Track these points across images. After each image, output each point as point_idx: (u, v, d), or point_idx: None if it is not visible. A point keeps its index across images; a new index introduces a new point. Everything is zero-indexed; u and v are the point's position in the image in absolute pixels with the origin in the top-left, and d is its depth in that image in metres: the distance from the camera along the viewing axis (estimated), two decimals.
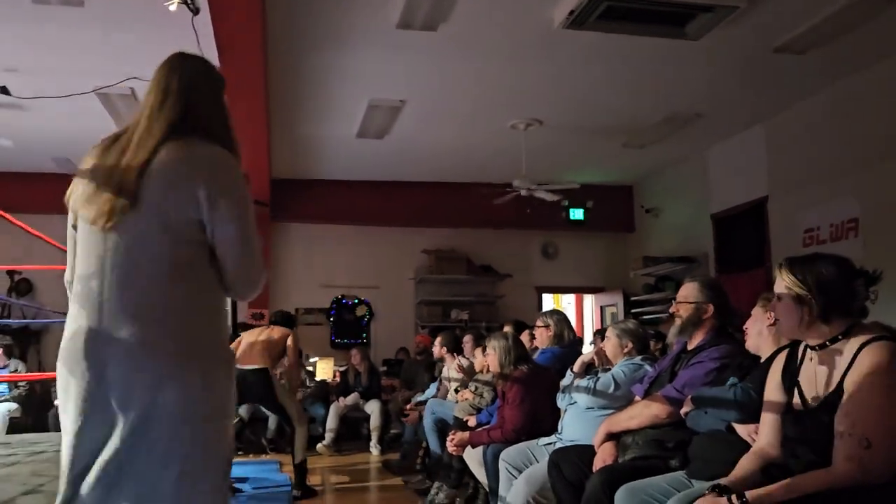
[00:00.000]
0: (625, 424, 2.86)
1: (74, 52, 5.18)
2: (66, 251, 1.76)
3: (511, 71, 5.78)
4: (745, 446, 2.20)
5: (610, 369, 3.39)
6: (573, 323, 10.44)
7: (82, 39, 4.99)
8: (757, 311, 2.52)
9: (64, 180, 1.79)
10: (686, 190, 8.56)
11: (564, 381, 3.50)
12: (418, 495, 4.87)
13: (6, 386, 7.19)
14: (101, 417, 1.54)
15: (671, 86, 6.13)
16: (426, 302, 9.38)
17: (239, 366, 4.79)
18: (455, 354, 5.77)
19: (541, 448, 3.46)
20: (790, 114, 6.72)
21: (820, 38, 5.17)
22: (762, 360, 2.47)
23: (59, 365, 1.61)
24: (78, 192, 1.68)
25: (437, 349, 6.08)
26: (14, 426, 6.96)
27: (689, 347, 2.90)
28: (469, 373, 5.21)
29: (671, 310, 2.95)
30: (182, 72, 1.74)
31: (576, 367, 3.47)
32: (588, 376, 3.38)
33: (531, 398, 3.78)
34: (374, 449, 7.02)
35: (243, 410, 6.66)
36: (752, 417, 2.22)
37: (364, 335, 9.30)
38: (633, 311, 8.96)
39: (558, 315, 4.61)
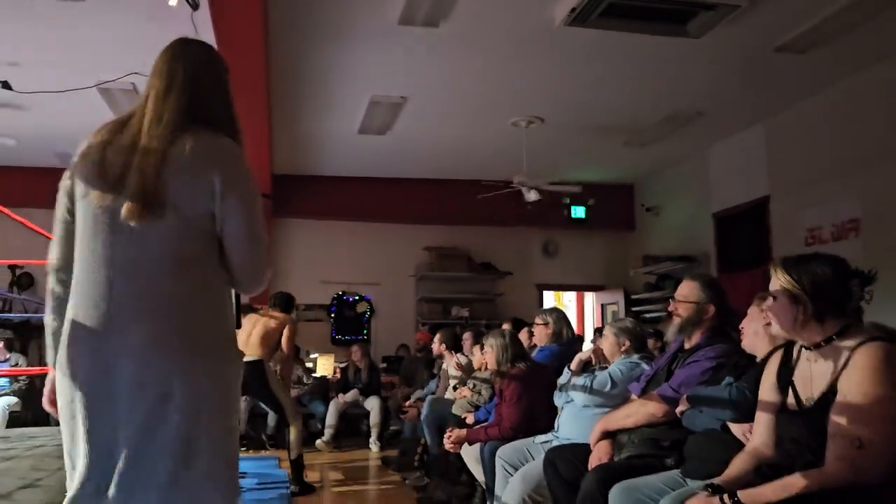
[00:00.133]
0: (621, 423, 2.86)
1: (75, 47, 5.18)
2: None
3: (512, 68, 5.78)
4: (739, 446, 2.21)
5: (607, 367, 3.40)
6: (574, 321, 10.54)
7: (83, 34, 4.99)
8: (753, 311, 2.52)
9: None
10: (687, 189, 8.55)
11: (561, 379, 3.50)
12: (416, 492, 4.87)
13: (7, 380, 7.22)
14: (108, 418, 1.52)
15: (672, 84, 6.12)
16: (427, 299, 9.38)
17: None
18: (453, 352, 5.78)
19: (537, 446, 3.47)
20: (791, 113, 6.71)
21: (821, 38, 5.16)
22: (758, 360, 2.47)
23: (62, 368, 1.56)
24: (85, 181, 1.63)
25: (437, 346, 6.09)
26: (14, 420, 6.99)
27: (686, 346, 2.89)
28: (468, 370, 5.22)
29: (669, 308, 2.94)
30: (186, 59, 1.72)
31: (573, 365, 3.47)
32: (585, 374, 3.38)
33: (529, 396, 3.78)
34: (374, 445, 7.03)
35: (242, 405, 6.68)
36: (747, 417, 2.23)
37: (365, 332, 9.31)
38: (633, 309, 8.97)
39: (557, 313, 4.62)
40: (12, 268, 8.03)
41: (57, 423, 1.68)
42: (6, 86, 5.44)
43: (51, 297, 1.69)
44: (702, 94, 6.38)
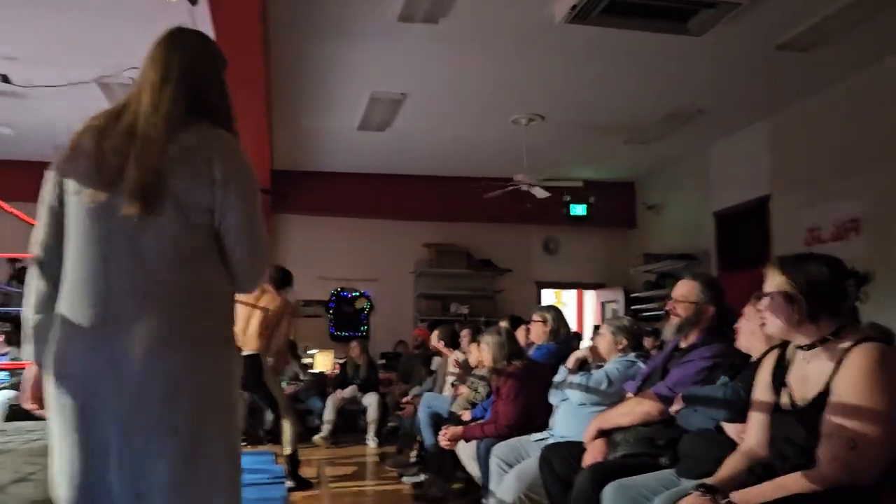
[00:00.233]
0: (616, 421, 2.85)
1: (74, 41, 5.17)
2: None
3: (513, 66, 5.76)
4: (734, 446, 2.20)
5: (603, 366, 3.39)
6: (574, 319, 10.52)
7: (82, 29, 4.98)
8: (749, 310, 2.51)
9: None
10: (688, 187, 8.52)
11: (558, 378, 3.49)
12: (413, 488, 4.87)
13: (6, 373, 7.21)
14: (109, 418, 1.47)
15: (673, 82, 6.10)
16: (425, 295, 9.37)
17: None
18: (451, 349, 5.77)
19: (533, 444, 3.46)
20: (793, 111, 6.68)
21: (822, 36, 5.14)
22: (753, 360, 2.46)
23: (57, 366, 1.51)
24: (79, 176, 1.57)
25: (434, 342, 6.08)
26: (14, 413, 6.98)
27: (683, 346, 2.88)
28: (466, 368, 5.21)
29: (667, 308, 2.92)
30: (182, 50, 1.67)
31: (569, 363, 3.46)
32: (581, 372, 3.38)
33: (525, 394, 3.77)
34: (371, 441, 7.03)
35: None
36: (742, 417, 2.21)
37: (363, 328, 9.30)
38: (633, 307, 8.95)
39: (556, 311, 4.60)
40: (12, 261, 8.03)
41: None
42: (5, 79, 5.42)
43: (34, 292, 1.63)
44: (703, 92, 6.36)
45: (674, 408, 2.59)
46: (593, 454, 2.84)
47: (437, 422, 4.73)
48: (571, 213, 9.38)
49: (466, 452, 4.00)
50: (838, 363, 1.83)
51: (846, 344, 1.84)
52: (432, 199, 9.14)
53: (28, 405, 1.67)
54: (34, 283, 1.63)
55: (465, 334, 5.90)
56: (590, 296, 10.69)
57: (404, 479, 5.17)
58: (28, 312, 1.63)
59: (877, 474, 1.75)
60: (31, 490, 2.58)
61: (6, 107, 6.42)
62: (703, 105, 6.67)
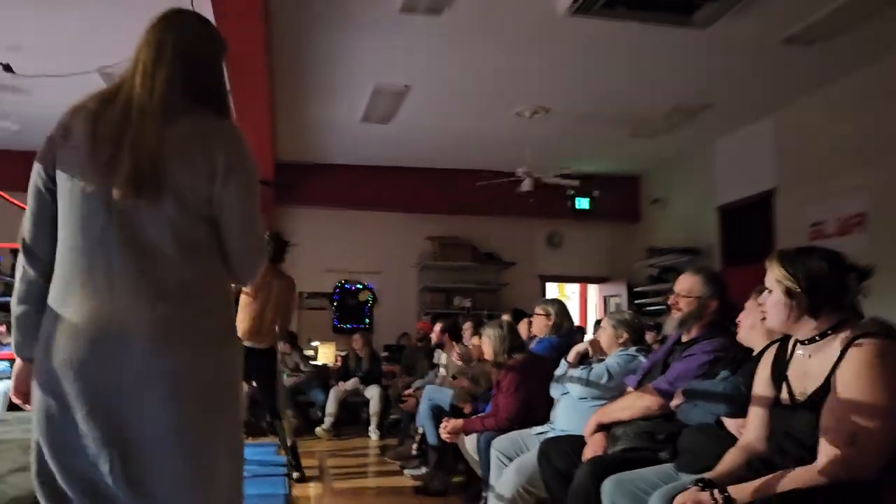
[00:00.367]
0: (616, 415, 2.84)
1: (76, 31, 5.16)
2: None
3: (516, 58, 5.72)
4: (733, 440, 2.19)
5: (604, 360, 3.37)
6: (577, 312, 10.50)
7: (84, 18, 4.97)
8: (750, 304, 2.49)
9: None
10: (693, 181, 8.49)
11: (558, 371, 3.48)
12: (414, 481, 4.87)
13: (8, 363, 7.23)
14: (109, 413, 1.43)
15: (679, 75, 6.06)
16: (429, 288, 9.36)
17: (246, 343, 4.66)
18: (455, 342, 5.76)
19: (533, 437, 3.45)
20: (799, 106, 6.63)
21: (829, 30, 5.09)
22: (754, 354, 2.44)
23: (54, 360, 1.44)
24: (71, 163, 1.51)
25: (437, 334, 6.07)
26: (15, 403, 7.00)
27: (684, 340, 2.87)
28: (467, 360, 5.20)
29: (669, 302, 2.90)
30: (179, 31, 1.60)
31: (570, 356, 3.45)
32: (582, 366, 3.36)
33: (526, 387, 3.76)
34: (373, 434, 7.03)
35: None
36: (742, 411, 2.20)
37: (366, 320, 9.30)
38: (636, 301, 8.93)
39: (559, 304, 4.58)
40: (15, 252, 8.04)
41: None
42: (7, 68, 5.42)
43: (21, 282, 1.56)
44: (709, 86, 6.31)
45: (674, 402, 2.58)
46: (593, 448, 2.83)
47: (439, 414, 4.72)
48: (576, 207, 9.35)
49: (471, 445, 3.99)
50: (838, 358, 1.82)
51: (846, 339, 1.83)
52: (436, 191, 9.12)
53: (17, 399, 1.63)
54: (22, 274, 1.56)
55: (466, 327, 5.90)
56: (593, 290, 10.67)
57: (406, 471, 5.17)
58: (15, 304, 1.56)
59: (877, 469, 1.73)
60: (29, 481, 2.59)
61: (10, 101, 6.42)
62: (708, 99, 6.62)
